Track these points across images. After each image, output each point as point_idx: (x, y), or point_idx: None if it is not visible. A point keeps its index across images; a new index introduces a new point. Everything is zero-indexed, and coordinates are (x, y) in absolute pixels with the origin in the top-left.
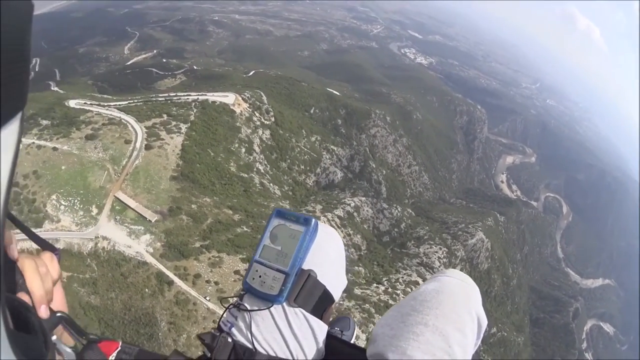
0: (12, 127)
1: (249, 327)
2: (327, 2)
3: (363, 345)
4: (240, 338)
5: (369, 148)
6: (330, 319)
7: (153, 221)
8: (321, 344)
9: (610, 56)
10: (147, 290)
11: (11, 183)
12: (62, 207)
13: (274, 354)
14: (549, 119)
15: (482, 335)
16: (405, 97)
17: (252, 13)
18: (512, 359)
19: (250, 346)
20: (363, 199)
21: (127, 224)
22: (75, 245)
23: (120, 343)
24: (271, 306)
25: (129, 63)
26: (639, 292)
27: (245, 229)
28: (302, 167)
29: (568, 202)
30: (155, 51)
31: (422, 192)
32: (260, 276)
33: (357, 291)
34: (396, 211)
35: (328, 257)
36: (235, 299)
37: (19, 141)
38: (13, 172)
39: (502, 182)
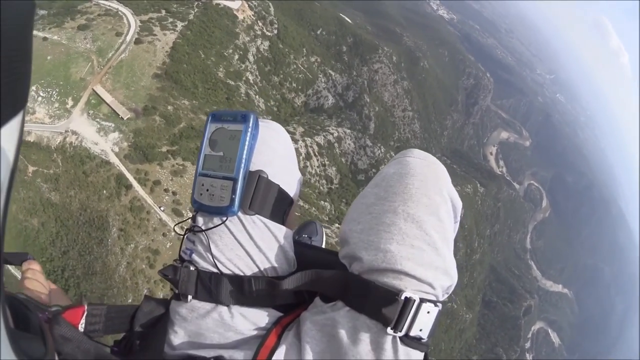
0: (13, 127)
1: (208, 249)
2: None
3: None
4: (203, 264)
5: (367, 82)
6: (296, 227)
7: (125, 119)
8: (290, 252)
9: (632, 84)
10: (105, 192)
11: (12, 183)
12: (40, 98)
13: (240, 273)
14: (554, 112)
15: (458, 219)
16: (417, 42)
17: None
18: (455, 332)
19: (215, 270)
20: (348, 131)
21: (98, 120)
22: (44, 138)
23: (86, 306)
24: (226, 220)
25: None
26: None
27: None
28: (294, 85)
29: (550, 198)
30: None
31: (410, 139)
32: (207, 190)
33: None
34: (379, 151)
35: (276, 154)
36: (188, 222)
37: (19, 141)
38: (14, 172)
39: (491, 154)
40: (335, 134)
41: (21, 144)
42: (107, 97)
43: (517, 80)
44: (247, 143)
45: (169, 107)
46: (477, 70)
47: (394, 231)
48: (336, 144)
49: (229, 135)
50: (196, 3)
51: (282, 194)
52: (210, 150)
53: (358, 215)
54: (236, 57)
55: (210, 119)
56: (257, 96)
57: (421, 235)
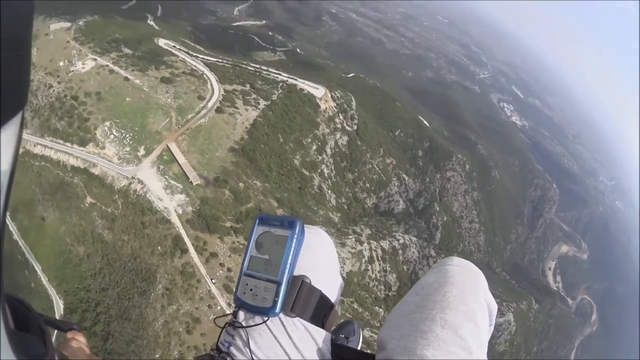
0: (12, 127)
1: (247, 345)
2: (443, 31)
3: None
4: (240, 357)
5: (439, 189)
6: (333, 326)
7: (194, 184)
8: (327, 354)
9: None
10: (159, 248)
11: (11, 183)
12: (112, 136)
13: None
14: (612, 221)
15: (494, 322)
16: (490, 151)
17: (370, 17)
18: None
19: None
20: (414, 239)
21: (167, 177)
22: (109, 176)
23: None
24: (267, 320)
25: (234, 24)
26: None
27: None
28: (368, 185)
29: (599, 312)
30: (264, 21)
31: (473, 252)
32: (251, 289)
33: (367, 333)
34: None
35: (320, 260)
36: (229, 316)
37: (19, 141)
38: (13, 172)
39: (549, 269)
40: (401, 241)
41: (20, 144)
42: (180, 158)
43: (580, 190)
44: (292, 249)
45: (240, 184)
46: (544, 181)
47: (430, 338)
48: (400, 251)
49: (275, 239)
50: (281, 84)
51: (323, 299)
52: (256, 252)
53: (397, 322)
54: (314, 147)
55: (257, 221)
56: (329, 191)
57: (457, 341)
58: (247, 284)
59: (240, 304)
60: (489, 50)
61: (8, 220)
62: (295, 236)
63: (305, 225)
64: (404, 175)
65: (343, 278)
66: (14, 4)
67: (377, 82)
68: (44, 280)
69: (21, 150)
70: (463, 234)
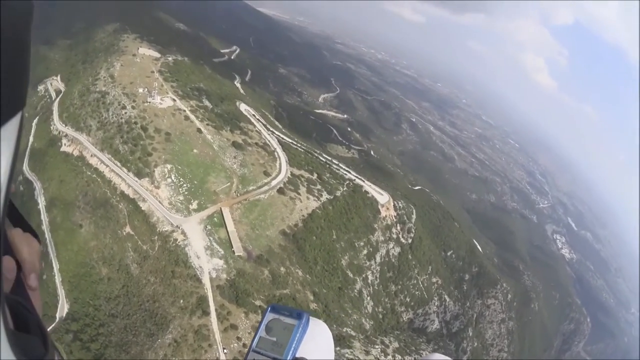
0: (12, 127)
1: None
2: (512, 156)
3: None
4: None
5: (476, 315)
6: None
7: (236, 254)
8: None
9: None
10: (181, 301)
11: (10, 183)
12: (169, 180)
13: None
14: (634, 353)
15: None
16: (534, 282)
17: (447, 132)
18: None
19: None
20: None
21: (212, 238)
22: (155, 216)
23: None
24: None
25: (317, 111)
26: None
27: None
28: (408, 299)
29: None
30: (346, 116)
31: None
32: None
33: None
34: None
35: (318, 347)
36: None
37: (18, 141)
38: (12, 172)
39: None
40: None
41: (19, 144)
42: (230, 225)
43: (611, 323)
44: (298, 335)
45: (282, 269)
46: (580, 315)
47: None
48: None
49: (283, 326)
50: (348, 182)
51: None
52: (265, 334)
53: None
54: (365, 251)
55: (269, 309)
56: (368, 297)
57: None
58: (254, 359)
59: None
60: (552, 179)
61: (42, 210)
62: (302, 326)
63: (311, 318)
64: (445, 296)
65: None
66: (14, 4)
67: (440, 199)
68: (57, 279)
69: (77, 153)
70: None
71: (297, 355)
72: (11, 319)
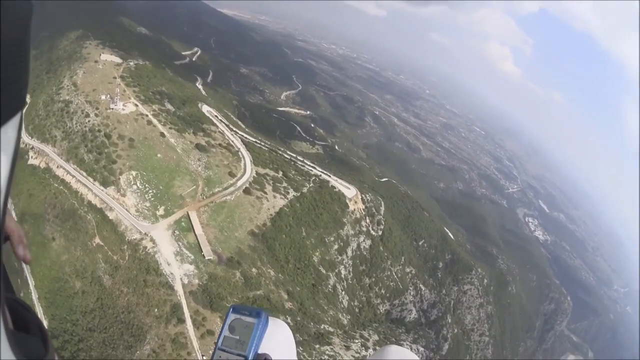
0: (11, 127)
1: None
2: (479, 143)
3: None
4: None
5: (454, 302)
6: None
7: (206, 258)
8: None
9: None
10: (156, 310)
11: (10, 183)
12: (135, 187)
13: None
14: (621, 328)
15: None
16: (510, 266)
17: (411, 124)
18: None
19: None
20: (421, 349)
21: (181, 243)
22: (123, 225)
23: None
24: None
25: (280, 109)
26: None
27: (288, 321)
28: (383, 291)
29: None
30: (309, 112)
31: None
32: None
33: None
34: None
35: (279, 344)
36: None
37: (18, 141)
38: (12, 172)
39: None
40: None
41: (19, 144)
42: (198, 229)
43: (594, 301)
44: (258, 333)
45: (254, 270)
46: (559, 295)
47: None
48: None
49: (244, 325)
50: (314, 178)
51: None
52: (229, 333)
53: None
54: (336, 246)
55: (231, 310)
56: (343, 292)
57: None
58: (220, 357)
59: None
60: (521, 164)
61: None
62: (261, 324)
63: (270, 317)
64: (421, 285)
65: None
66: (14, 4)
67: (408, 189)
68: (34, 296)
69: (44, 165)
70: (471, 347)
71: (260, 352)
72: (11, 319)
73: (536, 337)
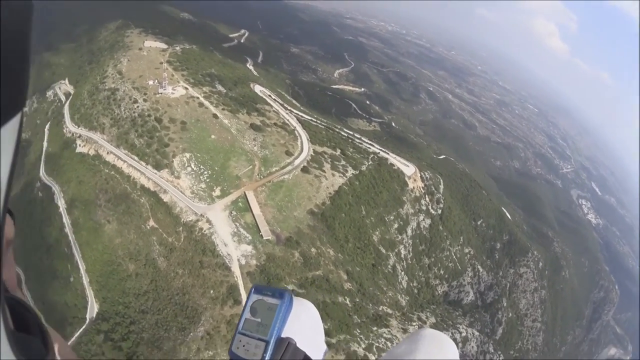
0: (12, 127)
1: None
2: (533, 121)
3: None
4: None
5: (510, 285)
6: None
7: (264, 238)
8: None
9: None
10: (212, 292)
11: (11, 183)
12: (189, 169)
13: None
14: None
15: None
16: (564, 249)
17: (465, 100)
18: None
19: None
20: (477, 333)
21: (238, 224)
22: (178, 207)
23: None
24: None
25: (334, 86)
26: None
27: (347, 302)
28: (442, 272)
29: None
30: (363, 89)
31: (529, 351)
32: (244, 345)
33: None
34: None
35: (305, 326)
36: None
37: (18, 141)
38: (13, 172)
39: None
40: (464, 334)
41: (20, 144)
42: (256, 209)
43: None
44: (281, 315)
45: (313, 249)
46: (609, 283)
47: None
48: (460, 344)
49: (267, 306)
50: (372, 155)
51: (307, 359)
52: (250, 315)
53: None
54: (396, 225)
55: (253, 290)
56: (402, 272)
57: None
58: (240, 341)
59: (233, 357)
60: (574, 143)
61: (63, 213)
62: (284, 305)
63: (294, 297)
64: (479, 267)
65: (328, 345)
66: (13, 4)
67: (466, 167)
68: (85, 280)
69: (93, 152)
70: (524, 332)
71: (284, 336)
72: (11, 319)
73: (584, 326)
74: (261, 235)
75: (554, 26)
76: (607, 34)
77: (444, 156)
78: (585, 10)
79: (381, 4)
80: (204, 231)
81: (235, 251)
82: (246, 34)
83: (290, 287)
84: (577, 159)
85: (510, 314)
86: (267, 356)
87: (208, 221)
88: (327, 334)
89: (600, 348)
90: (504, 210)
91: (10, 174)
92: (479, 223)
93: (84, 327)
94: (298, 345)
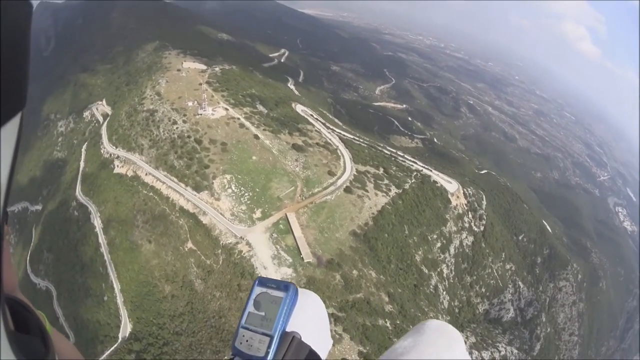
0: (11, 128)
1: None
2: (570, 129)
3: None
4: None
5: (549, 299)
6: None
7: (305, 261)
8: None
9: None
10: None
11: (10, 183)
12: (230, 190)
13: None
14: None
15: None
16: (602, 260)
17: (505, 112)
18: None
19: None
20: (515, 351)
21: (279, 247)
22: (217, 229)
23: None
24: None
25: (375, 104)
26: None
27: (387, 325)
28: (483, 290)
29: None
30: (405, 106)
31: None
32: (247, 340)
33: None
34: None
35: (310, 319)
36: None
37: (18, 142)
38: (12, 172)
39: None
40: (502, 352)
41: (20, 145)
42: (297, 231)
43: None
44: (286, 308)
45: (354, 272)
46: None
47: None
48: None
49: (271, 299)
50: (415, 173)
51: (312, 353)
52: (254, 309)
53: None
54: (438, 244)
55: (257, 283)
56: (444, 292)
57: None
58: (243, 336)
59: (236, 353)
60: (609, 150)
61: (99, 232)
62: (289, 298)
63: (300, 289)
64: (519, 283)
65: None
66: (13, 4)
67: (508, 181)
68: (119, 299)
69: (131, 173)
70: (560, 347)
71: (289, 330)
72: (11, 319)
73: (618, 336)
74: (302, 257)
75: (584, 29)
76: (634, 33)
77: (485, 170)
78: (612, 9)
79: (418, 18)
80: (244, 254)
81: (275, 274)
82: (286, 53)
83: (329, 310)
84: (613, 165)
85: (549, 329)
86: (272, 351)
87: (248, 244)
88: (366, 357)
89: (632, 355)
90: (545, 223)
91: (10, 174)
92: (520, 238)
93: (115, 345)
94: (303, 339)
